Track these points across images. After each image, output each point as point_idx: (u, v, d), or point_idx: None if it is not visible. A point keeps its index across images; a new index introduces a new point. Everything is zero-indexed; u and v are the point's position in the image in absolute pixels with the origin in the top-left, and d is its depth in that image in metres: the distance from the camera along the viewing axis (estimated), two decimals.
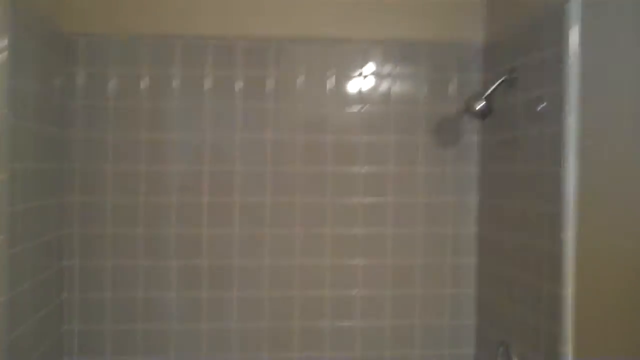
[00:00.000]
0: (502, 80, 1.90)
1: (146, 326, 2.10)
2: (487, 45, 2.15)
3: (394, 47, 2.18)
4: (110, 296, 2.09)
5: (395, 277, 2.18)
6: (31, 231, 1.74)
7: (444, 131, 2.19)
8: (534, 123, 1.76)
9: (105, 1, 2.08)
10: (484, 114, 1.90)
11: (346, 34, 2.15)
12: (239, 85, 2.13)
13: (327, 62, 2.16)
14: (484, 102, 1.89)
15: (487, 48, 2.16)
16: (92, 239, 2.08)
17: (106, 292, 2.09)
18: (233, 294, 2.13)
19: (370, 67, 2.18)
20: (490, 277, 2.09)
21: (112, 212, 2.09)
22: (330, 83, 2.16)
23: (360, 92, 2.17)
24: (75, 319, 2.09)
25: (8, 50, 1.53)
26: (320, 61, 2.16)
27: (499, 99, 1.98)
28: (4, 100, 1.52)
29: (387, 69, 2.18)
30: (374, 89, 2.18)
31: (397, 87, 2.18)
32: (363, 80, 2.17)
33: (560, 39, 1.60)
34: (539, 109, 1.70)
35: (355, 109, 2.17)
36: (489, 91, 1.89)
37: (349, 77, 2.17)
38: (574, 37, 1.57)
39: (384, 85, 2.18)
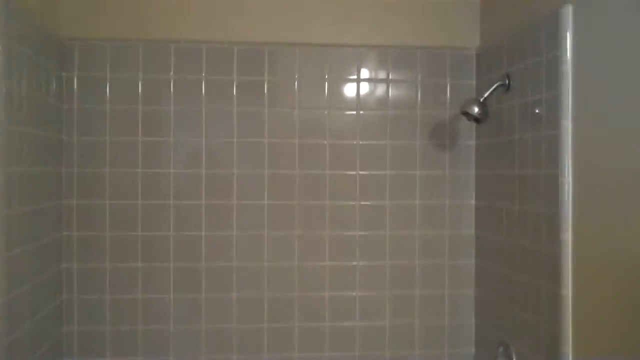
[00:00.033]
0: (498, 85, 1.93)
1: (145, 327, 2.10)
2: (482, 50, 2.19)
3: (389, 53, 2.20)
4: (109, 298, 2.09)
5: (394, 278, 2.20)
6: (29, 234, 1.74)
7: (440, 135, 2.22)
8: (530, 126, 1.78)
9: (100, 6, 2.08)
10: (480, 118, 1.92)
11: (342, 39, 2.18)
12: (235, 89, 2.13)
13: (323, 67, 2.18)
14: (480, 106, 1.91)
15: (482, 53, 2.19)
16: (91, 241, 2.08)
17: (105, 294, 2.09)
18: (232, 295, 2.14)
19: (365, 72, 2.20)
20: (489, 278, 2.11)
21: (110, 214, 2.09)
22: (326, 88, 2.18)
23: (356, 97, 2.19)
24: (74, 321, 2.08)
25: (3, 55, 1.53)
26: (316, 66, 2.18)
27: (495, 103, 2.01)
28: None
29: (382, 74, 2.20)
30: (370, 93, 2.20)
31: (393, 92, 2.21)
32: (359, 85, 2.19)
33: (555, 44, 1.63)
34: (537, 111, 1.73)
35: (351, 113, 2.19)
36: (485, 95, 1.92)
37: (345, 82, 2.19)
38: (568, 41, 1.60)
39: (380, 90, 2.20)
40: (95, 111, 2.09)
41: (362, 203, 2.18)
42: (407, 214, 2.20)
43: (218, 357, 2.13)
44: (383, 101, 2.20)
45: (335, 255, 2.17)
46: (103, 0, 2.08)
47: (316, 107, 2.18)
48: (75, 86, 2.08)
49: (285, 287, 2.16)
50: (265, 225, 2.15)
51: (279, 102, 2.16)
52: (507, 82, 1.93)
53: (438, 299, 2.22)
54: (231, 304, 2.13)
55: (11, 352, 1.59)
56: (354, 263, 2.18)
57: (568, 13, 1.60)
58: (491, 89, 1.93)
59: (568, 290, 1.58)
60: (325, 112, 2.18)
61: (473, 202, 2.23)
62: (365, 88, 2.20)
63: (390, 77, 2.21)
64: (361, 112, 2.19)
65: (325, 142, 2.17)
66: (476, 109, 1.91)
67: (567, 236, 1.59)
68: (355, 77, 2.20)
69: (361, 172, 2.18)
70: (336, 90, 2.19)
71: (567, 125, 1.60)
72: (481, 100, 1.92)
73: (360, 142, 2.19)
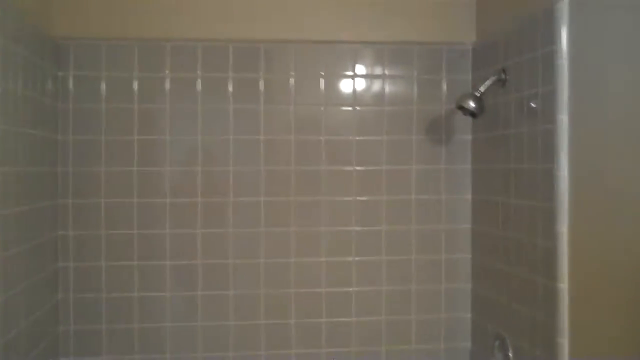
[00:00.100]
0: (494, 80, 1.93)
1: (142, 325, 2.10)
2: (478, 45, 2.18)
3: (385, 49, 2.20)
4: (105, 296, 2.09)
5: (390, 273, 2.20)
6: (25, 233, 1.74)
7: (436, 130, 2.22)
8: (526, 121, 1.78)
9: (95, 5, 2.08)
10: (476, 112, 1.92)
11: (337, 35, 2.17)
12: (230, 87, 2.13)
13: (318, 64, 2.17)
14: (476, 101, 1.91)
15: (478, 48, 2.19)
16: (87, 240, 2.08)
17: (101, 293, 2.09)
18: (229, 292, 2.14)
19: (361, 68, 2.20)
20: (485, 271, 2.11)
21: (106, 213, 2.08)
22: (322, 84, 2.18)
23: (352, 93, 2.19)
24: (71, 320, 2.08)
25: None
26: (312, 63, 2.17)
27: (491, 98, 2.01)
28: None
29: (378, 70, 2.20)
30: (366, 89, 2.20)
31: (389, 88, 2.20)
32: (355, 81, 2.19)
33: (551, 39, 1.63)
34: (533, 105, 1.73)
35: (347, 109, 2.18)
36: (481, 90, 1.92)
37: (341, 79, 2.19)
38: (564, 36, 1.60)
39: (376, 86, 2.20)
40: (90, 110, 2.08)
41: (359, 199, 2.19)
42: (404, 209, 2.20)
43: (214, 354, 2.13)
44: (379, 97, 2.20)
45: (331, 251, 2.18)
46: None
47: (312, 103, 2.17)
48: (71, 85, 2.08)
49: (282, 283, 2.16)
50: (262, 221, 2.15)
51: (275, 99, 2.16)
52: (503, 76, 1.93)
53: (434, 294, 2.22)
54: (227, 301, 2.14)
55: (7, 351, 1.59)
56: (350, 259, 2.18)
57: (564, 7, 1.60)
58: (487, 84, 1.93)
59: (564, 284, 1.58)
60: (322, 108, 2.18)
61: (469, 196, 2.23)
62: (361, 84, 2.20)
63: (386, 72, 2.21)
64: (357, 108, 2.19)
65: (322, 138, 2.17)
66: (472, 104, 1.91)
67: (563, 230, 1.59)
68: (351, 73, 2.19)
69: (357, 168, 2.18)
70: (332, 87, 2.18)
71: (563, 120, 1.60)
72: (477, 94, 1.91)
73: (357, 138, 2.18)
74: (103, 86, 2.08)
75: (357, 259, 2.19)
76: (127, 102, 2.09)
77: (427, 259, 2.22)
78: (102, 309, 2.09)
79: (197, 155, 2.12)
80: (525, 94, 1.79)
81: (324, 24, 2.16)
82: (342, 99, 2.19)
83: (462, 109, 1.94)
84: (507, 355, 1.88)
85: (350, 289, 2.19)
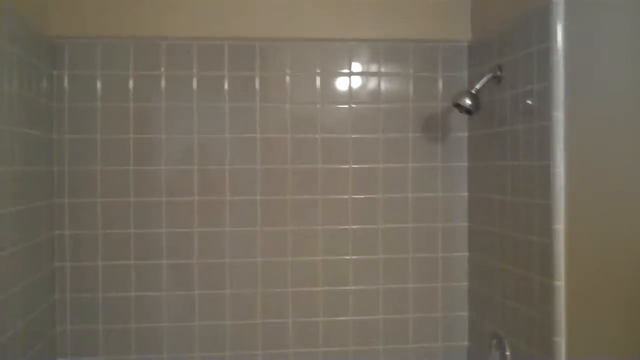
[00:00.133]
0: (489, 77, 1.93)
1: (139, 325, 2.10)
2: (474, 42, 2.18)
3: (381, 46, 2.20)
4: (103, 296, 2.09)
5: (387, 272, 2.20)
6: (21, 233, 1.74)
7: (432, 128, 2.22)
8: (522, 118, 1.78)
9: (90, 4, 2.07)
10: (472, 109, 1.92)
11: (333, 33, 2.17)
12: (226, 85, 2.13)
13: (314, 62, 2.17)
14: (471, 98, 1.91)
15: (473, 45, 2.19)
16: (83, 240, 2.08)
17: (98, 292, 2.08)
18: (226, 291, 2.13)
19: (357, 66, 2.19)
20: (482, 270, 2.11)
21: (103, 212, 2.08)
22: (318, 82, 2.17)
23: (348, 90, 2.19)
24: (67, 320, 2.08)
25: None
26: (308, 61, 2.17)
27: (486, 95, 2.01)
28: None
29: (374, 67, 2.20)
30: (362, 87, 2.19)
31: (385, 85, 2.20)
32: (350, 79, 2.19)
33: (547, 35, 1.63)
34: (529, 102, 1.73)
35: (343, 107, 2.18)
36: (477, 87, 1.92)
37: (337, 76, 2.18)
38: (559, 33, 1.60)
39: (372, 84, 2.20)
40: (86, 109, 2.08)
41: (355, 197, 2.18)
42: (400, 207, 2.20)
43: (212, 354, 2.13)
44: (375, 94, 2.20)
45: (328, 249, 2.17)
46: None
47: (308, 101, 2.17)
48: (66, 84, 2.07)
49: (279, 282, 2.16)
50: (258, 220, 2.14)
51: (271, 97, 2.15)
52: (498, 73, 1.93)
53: (431, 292, 2.22)
54: (224, 300, 2.13)
55: (4, 351, 1.58)
56: (347, 257, 2.18)
57: (559, 4, 1.59)
58: (483, 81, 1.92)
59: (561, 282, 1.58)
60: (318, 106, 2.18)
61: (466, 194, 2.23)
62: (357, 82, 2.19)
63: (382, 70, 2.20)
64: (353, 105, 2.19)
65: (318, 137, 2.17)
66: (468, 101, 1.91)
67: (560, 227, 1.59)
68: (347, 70, 2.19)
69: (354, 166, 2.18)
70: (328, 85, 2.18)
71: (559, 116, 1.60)
72: (473, 92, 1.91)
73: (353, 136, 2.18)
74: (98, 85, 2.08)
75: (354, 257, 2.19)
76: (123, 100, 2.09)
77: (424, 257, 2.22)
78: (99, 309, 2.08)
79: (193, 153, 2.12)
80: (520, 91, 1.79)
81: (319, 21, 2.16)
82: (338, 97, 2.18)
83: (458, 106, 1.94)
84: (504, 354, 1.88)
85: (347, 288, 2.19)
